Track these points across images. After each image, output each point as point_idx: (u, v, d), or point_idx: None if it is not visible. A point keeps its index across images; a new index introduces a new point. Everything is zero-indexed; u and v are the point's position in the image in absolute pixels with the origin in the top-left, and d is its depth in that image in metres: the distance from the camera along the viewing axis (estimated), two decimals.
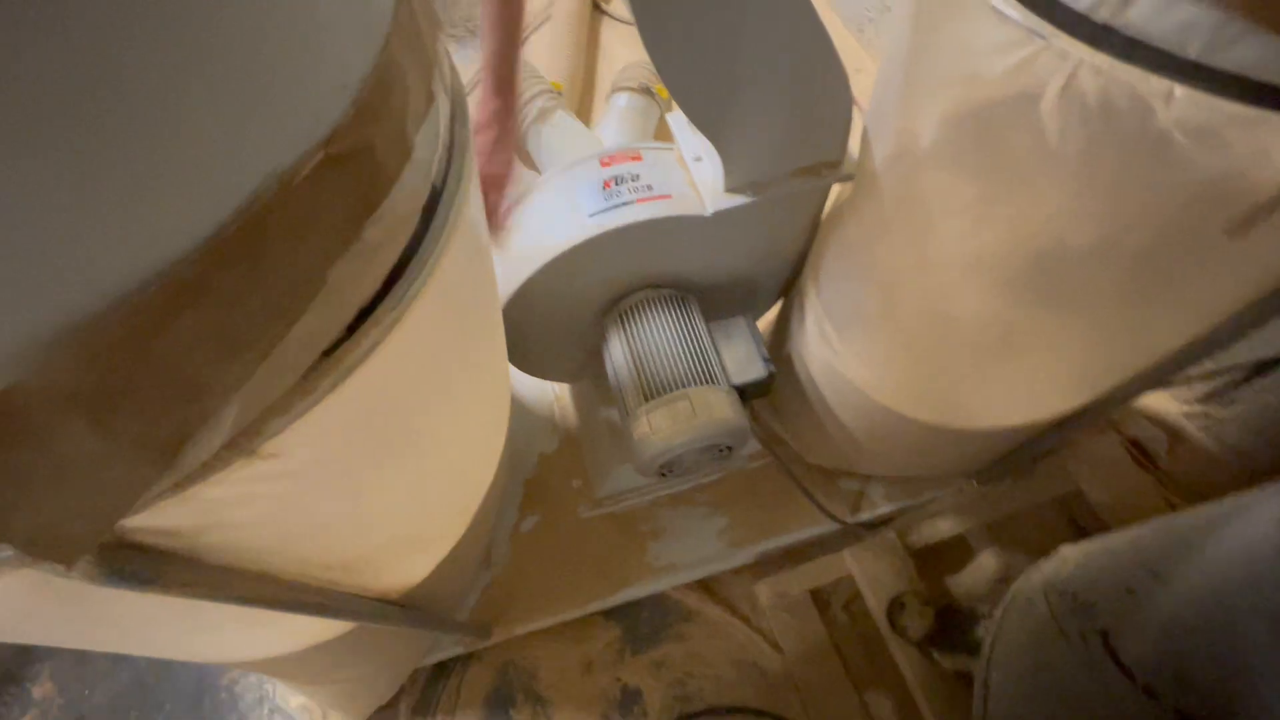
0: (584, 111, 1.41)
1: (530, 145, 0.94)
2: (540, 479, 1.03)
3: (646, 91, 1.01)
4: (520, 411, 1.08)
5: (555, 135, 0.92)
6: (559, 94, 0.94)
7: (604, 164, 0.74)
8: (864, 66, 1.55)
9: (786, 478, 0.96)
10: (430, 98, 0.33)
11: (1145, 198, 0.44)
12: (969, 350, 0.69)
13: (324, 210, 0.26)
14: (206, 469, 0.28)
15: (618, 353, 0.80)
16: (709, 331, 0.81)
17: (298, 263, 0.26)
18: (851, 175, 0.70)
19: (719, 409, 0.72)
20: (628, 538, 0.99)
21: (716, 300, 0.89)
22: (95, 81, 0.18)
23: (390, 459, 0.43)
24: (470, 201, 0.42)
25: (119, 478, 0.24)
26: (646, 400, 0.74)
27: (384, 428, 0.39)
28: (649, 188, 0.72)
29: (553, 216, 0.73)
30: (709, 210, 0.70)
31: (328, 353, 0.31)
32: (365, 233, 0.28)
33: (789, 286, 0.93)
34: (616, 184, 0.72)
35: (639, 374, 0.76)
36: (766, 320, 1.01)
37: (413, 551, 0.60)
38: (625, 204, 0.71)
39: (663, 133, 1.17)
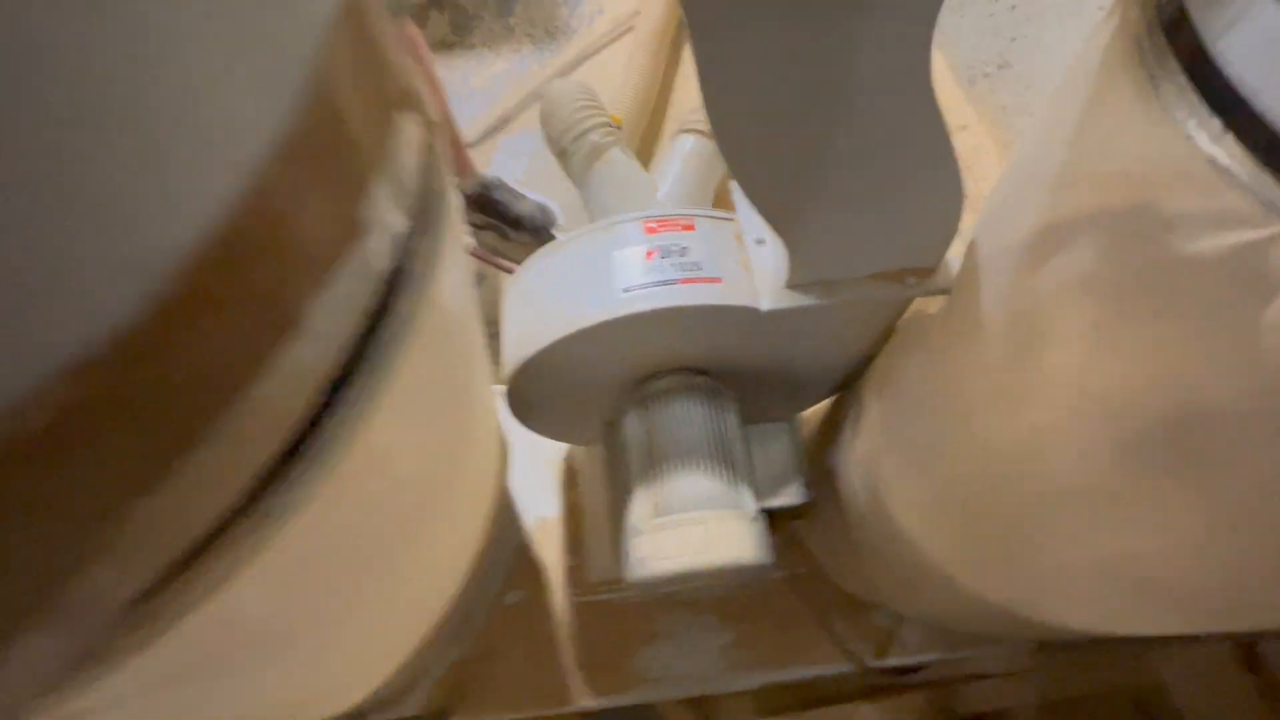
0: (650, 142, 1.31)
1: (578, 184, 0.84)
2: (534, 547, 0.92)
3: None
4: (521, 467, 0.98)
5: (607, 178, 0.81)
6: (617, 128, 0.84)
7: (649, 230, 0.63)
8: (969, 123, 1.39)
9: (808, 597, 0.82)
10: (354, 230, 0.22)
11: None
12: (1054, 522, 0.55)
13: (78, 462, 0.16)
14: None
15: (633, 445, 0.68)
16: (744, 436, 0.69)
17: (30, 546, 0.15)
18: (947, 289, 0.57)
19: (738, 543, 0.60)
20: (620, 635, 0.88)
21: (757, 396, 0.77)
22: None
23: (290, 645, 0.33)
24: (442, 310, 0.32)
25: None
26: (656, 513, 0.62)
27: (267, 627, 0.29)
28: (697, 266, 0.61)
29: (582, 281, 0.63)
30: (764, 307, 0.58)
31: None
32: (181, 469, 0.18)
33: (845, 385, 0.80)
34: (661, 256, 0.61)
35: (653, 479, 0.64)
36: (813, 412, 0.88)
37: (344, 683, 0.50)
38: (667, 283, 0.60)
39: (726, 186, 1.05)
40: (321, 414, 0.22)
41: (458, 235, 0.34)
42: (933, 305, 0.62)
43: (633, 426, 0.69)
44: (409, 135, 0.25)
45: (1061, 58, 1.26)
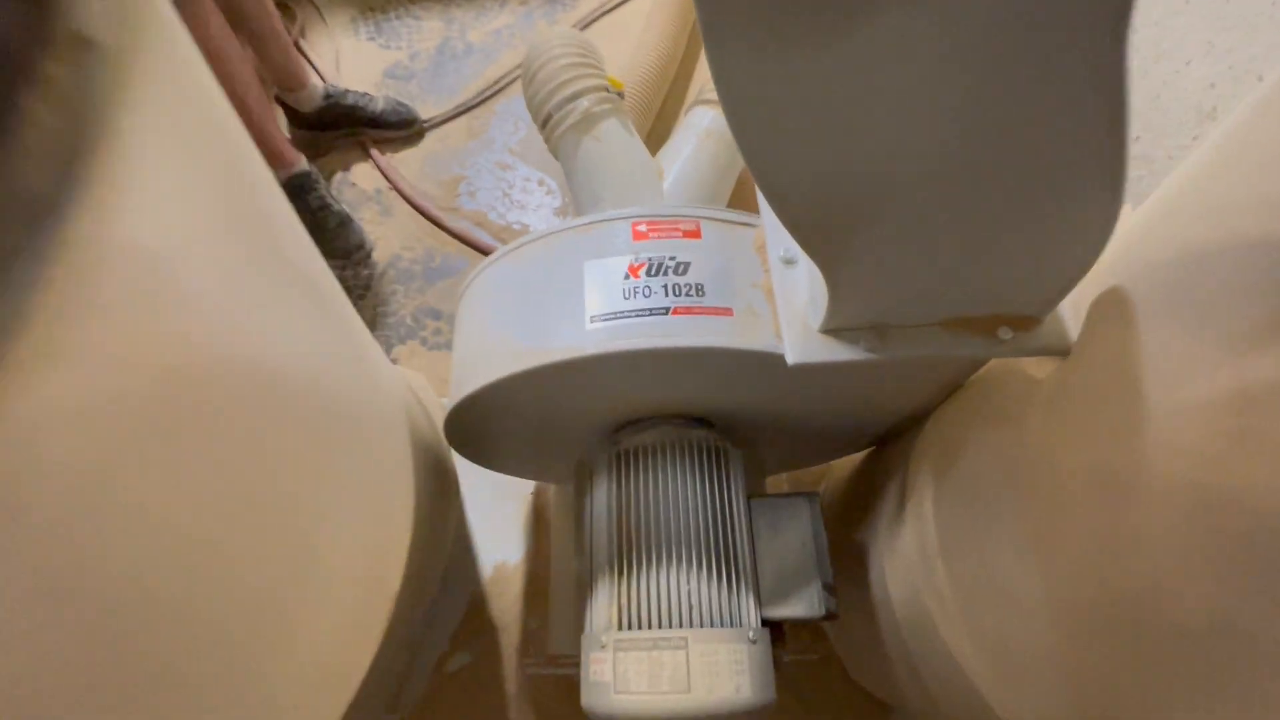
0: (669, 121, 1.12)
1: (563, 163, 0.67)
2: (489, 598, 0.77)
3: None
4: (479, 499, 0.81)
5: (597, 157, 0.64)
6: (617, 94, 0.66)
7: (638, 235, 0.46)
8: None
9: (808, 690, 0.66)
10: None
11: None
12: (1173, 676, 0.38)
13: None
14: None
15: (601, 518, 0.52)
16: (748, 511, 0.52)
17: None
18: (1063, 350, 0.39)
19: (729, 680, 0.43)
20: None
21: (769, 447, 0.60)
22: None
23: None
24: None
25: None
26: (619, 624, 0.46)
27: None
28: (698, 290, 0.43)
29: (543, 301, 0.46)
30: (791, 358, 0.40)
31: None
32: None
33: (889, 438, 0.63)
34: (650, 273, 0.44)
35: (621, 570, 0.48)
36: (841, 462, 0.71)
37: None
38: (653, 313, 0.43)
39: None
40: None
41: None
42: (1032, 365, 0.44)
43: (601, 495, 0.52)
44: None
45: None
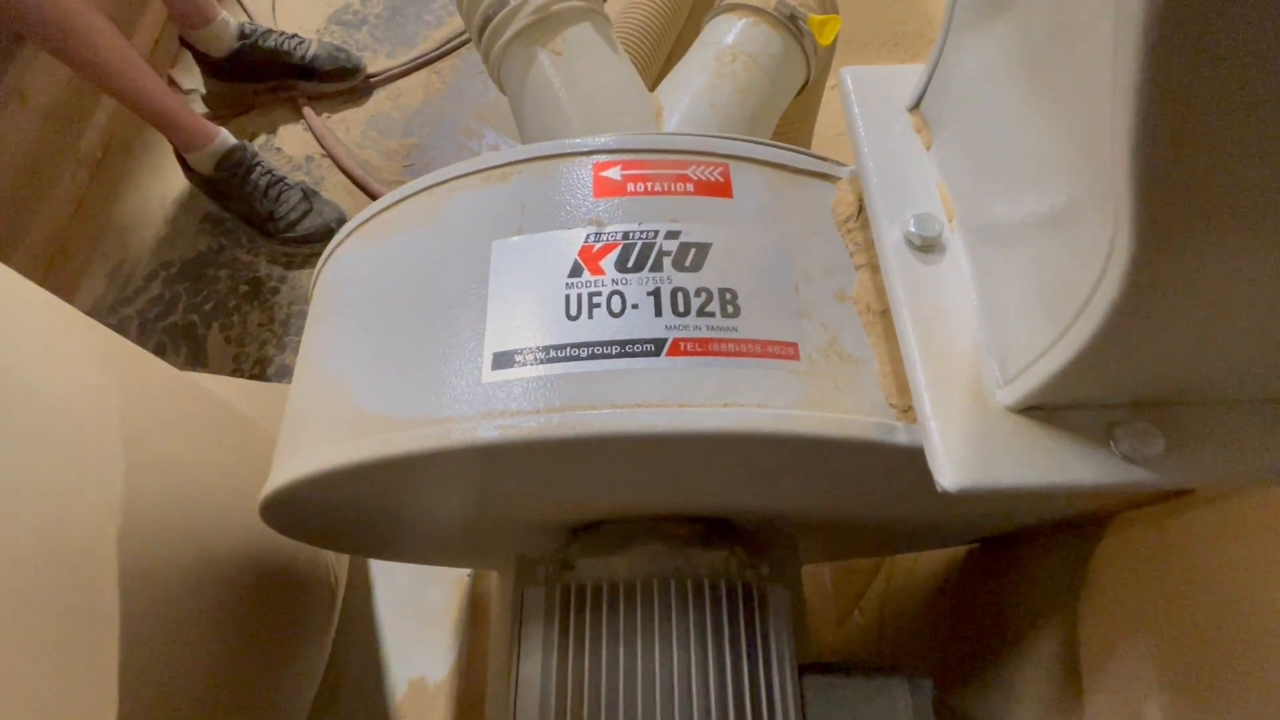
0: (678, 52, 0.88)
1: (509, 91, 0.43)
2: None
3: (789, 24, 0.45)
4: (392, 589, 0.58)
5: (557, 77, 0.40)
6: None
7: (604, 184, 0.22)
8: None
9: None
10: None
11: None
12: None
13: None
14: None
15: (531, 700, 0.28)
16: (799, 702, 0.28)
17: None
18: None
19: None
20: None
21: (807, 541, 0.37)
22: None
23: None
24: None
25: None
26: None
27: None
28: (724, 301, 0.20)
29: (405, 326, 0.23)
30: (946, 479, 0.17)
31: None
32: None
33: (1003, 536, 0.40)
34: (625, 264, 0.21)
35: None
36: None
37: None
38: (629, 351, 0.19)
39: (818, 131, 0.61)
40: None
41: None
42: None
43: (534, 660, 0.29)
44: None
45: None
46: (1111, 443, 0.17)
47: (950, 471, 0.17)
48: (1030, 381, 0.16)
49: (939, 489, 0.17)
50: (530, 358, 0.20)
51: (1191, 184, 0.10)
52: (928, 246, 0.20)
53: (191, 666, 0.25)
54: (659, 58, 0.85)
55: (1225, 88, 0.10)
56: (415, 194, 0.25)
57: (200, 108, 0.95)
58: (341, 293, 0.27)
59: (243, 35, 0.89)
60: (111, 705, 0.21)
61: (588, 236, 0.22)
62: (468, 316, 0.21)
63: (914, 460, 0.19)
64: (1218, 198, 0.10)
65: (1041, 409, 0.17)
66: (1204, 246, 0.11)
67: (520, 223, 0.22)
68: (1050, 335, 0.15)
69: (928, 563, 0.48)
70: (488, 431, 0.19)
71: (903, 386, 0.20)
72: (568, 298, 0.21)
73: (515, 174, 0.24)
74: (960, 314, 0.19)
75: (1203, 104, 0.10)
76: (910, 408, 0.19)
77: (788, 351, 0.20)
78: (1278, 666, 0.23)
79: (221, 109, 0.95)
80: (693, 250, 0.21)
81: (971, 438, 0.17)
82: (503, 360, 0.20)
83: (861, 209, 0.23)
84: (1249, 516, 0.25)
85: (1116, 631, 0.28)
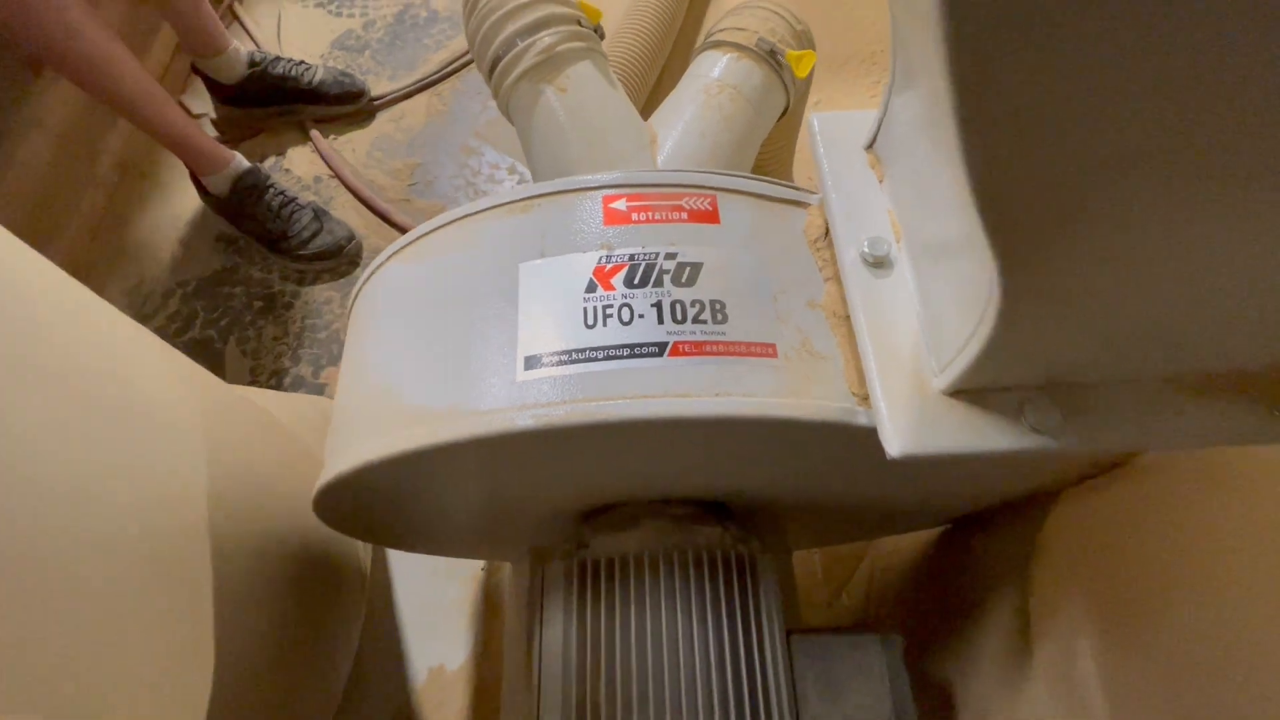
0: (672, 75, 0.93)
1: (518, 123, 0.48)
2: (421, 717, 0.57)
3: (769, 59, 0.50)
4: (411, 583, 0.62)
5: (565, 114, 0.45)
6: (594, 29, 0.48)
7: (613, 214, 0.27)
8: None
9: None
10: None
11: None
12: None
13: None
14: None
15: (554, 663, 0.33)
16: (786, 659, 0.33)
17: None
18: None
19: None
20: None
21: (795, 528, 0.42)
22: None
23: None
24: None
25: None
26: None
27: None
28: (715, 310, 0.25)
29: (447, 335, 0.27)
30: (894, 447, 0.21)
31: None
32: None
33: (973, 517, 0.44)
34: (632, 281, 0.25)
35: None
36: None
37: None
38: (636, 353, 0.24)
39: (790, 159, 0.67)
40: None
41: None
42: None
43: (556, 627, 0.33)
44: None
45: None
46: (1022, 417, 0.21)
47: (896, 441, 0.21)
48: (956, 369, 0.21)
49: (888, 457, 0.21)
50: (556, 359, 0.24)
51: (1020, 222, 0.15)
52: (879, 263, 0.24)
53: (265, 630, 0.29)
54: (648, 83, 0.91)
55: (1027, 158, 0.14)
56: (450, 223, 0.29)
57: (211, 131, 0.99)
58: (386, 306, 0.31)
59: (252, 63, 0.93)
60: (209, 665, 0.25)
61: (600, 258, 0.26)
62: (502, 326, 0.26)
63: (872, 438, 0.23)
64: (1039, 232, 0.15)
65: (968, 392, 0.22)
66: (1049, 265, 0.16)
67: (543, 247, 0.27)
68: (967, 332, 0.20)
69: (909, 548, 0.52)
70: (524, 420, 0.23)
71: (863, 378, 0.24)
72: (585, 310, 0.25)
73: (536, 206, 0.28)
74: (905, 317, 0.23)
75: (1011, 167, 0.14)
76: (868, 395, 0.24)
77: (768, 350, 0.25)
78: (1182, 608, 0.27)
79: (232, 133, 0.99)
80: (688, 269, 0.25)
81: (913, 415, 0.22)
82: (533, 362, 0.25)
83: (828, 230, 0.27)
84: (1164, 489, 0.30)
85: (1059, 589, 0.33)
